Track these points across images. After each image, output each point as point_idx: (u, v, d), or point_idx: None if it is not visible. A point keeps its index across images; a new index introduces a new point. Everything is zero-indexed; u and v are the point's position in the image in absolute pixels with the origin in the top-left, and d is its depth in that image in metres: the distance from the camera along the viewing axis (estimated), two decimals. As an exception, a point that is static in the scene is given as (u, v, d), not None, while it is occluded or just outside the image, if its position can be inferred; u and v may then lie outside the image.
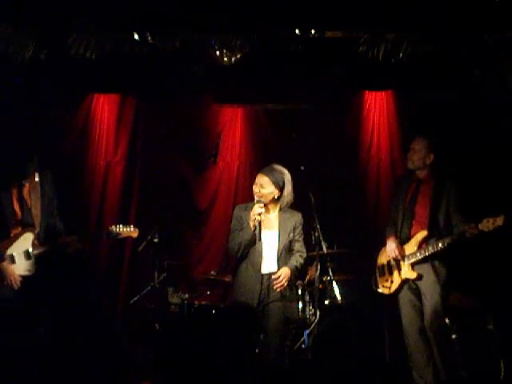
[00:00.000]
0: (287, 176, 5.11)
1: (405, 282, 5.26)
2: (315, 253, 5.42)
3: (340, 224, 6.48)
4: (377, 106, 6.78)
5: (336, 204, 6.58)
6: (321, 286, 5.82)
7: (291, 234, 5.08)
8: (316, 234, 5.39)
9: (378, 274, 5.46)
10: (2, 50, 5.65)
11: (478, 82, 5.86)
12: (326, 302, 5.96)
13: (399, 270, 5.27)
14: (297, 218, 5.13)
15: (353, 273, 6.19)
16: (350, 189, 6.76)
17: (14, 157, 5.15)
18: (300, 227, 5.14)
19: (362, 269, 6.27)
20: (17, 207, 5.05)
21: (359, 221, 6.66)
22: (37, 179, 5.13)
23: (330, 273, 5.82)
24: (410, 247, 5.23)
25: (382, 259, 5.45)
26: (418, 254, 5.17)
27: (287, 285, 4.99)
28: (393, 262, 5.32)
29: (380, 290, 5.43)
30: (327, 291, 5.96)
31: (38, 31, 5.62)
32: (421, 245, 5.18)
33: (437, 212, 5.18)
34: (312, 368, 3.27)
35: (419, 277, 5.18)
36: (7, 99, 6.15)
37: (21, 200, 5.07)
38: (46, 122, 6.47)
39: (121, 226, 5.33)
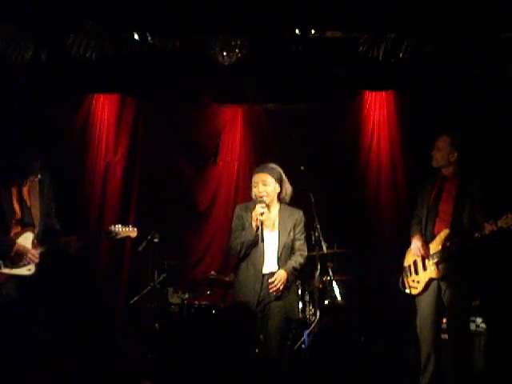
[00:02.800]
0: (281, 169, 5.15)
1: (431, 281, 5.18)
2: (315, 253, 5.42)
3: (340, 224, 6.48)
4: (377, 106, 6.77)
5: (336, 204, 6.58)
6: (321, 286, 5.82)
7: (291, 233, 5.07)
8: (316, 234, 5.39)
9: (405, 275, 5.38)
10: (1, 49, 5.65)
11: (478, 82, 5.86)
12: (326, 302, 5.95)
13: (425, 269, 5.22)
14: (297, 215, 5.13)
15: (353, 273, 6.19)
16: (350, 189, 6.76)
17: (14, 156, 5.16)
18: (301, 225, 5.13)
19: (362, 269, 6.29)
20: (16, 206, 5.06)
21: (359, 221, 6.66)
22: (37, 178, 5.15)
23: (330, 273, 5.82)
24: (435, 246, 5.17)
25: (409, 259, 5.37)
26: (442, 253, 5.11)
27: (283, 287, 4.98)
28: (419, 262, 5.26)
29: (407, 291, 5.34)
30: (327, 291, 5.96)
31: (38, 31, 5.62)
32: (444, 243, 5.11)
33: (461, 210, 5.12)
34: (312, 368, 3.27)
35: (443, 276, 5.12)
36: (7, 99, 6.15)
37: (20, 199, 5.08)
38: (46, 122, 6.47)
39: (119, 225, 5.34)
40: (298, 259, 5.07)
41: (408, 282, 5.35)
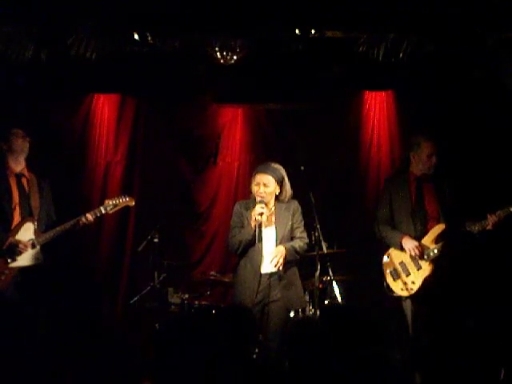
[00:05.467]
0: (283, 171, 5.17)
1: (428, 278, 5.18)
2: (315, 253, 5.41)
3: (340, 224, 6.48)
4: (377, 106, 6.78)
5: (336, 204, 6.58)
6: (321, 286, 5.81)
7: (289, 223, 5.09)
8: (316, 234, 5.39)
9: (390, 279, 5.35)
10: (1, 50, 5.65)
11: (478, 83, 5.87)
12: (326, 302, 5.95)
13: (418, 268, 5.22)
14: (293, 205, 5.16)
15: (353, 273, 6.19)
16: (350, 189, 6.76)
17: None
18: (298, 213, 5.17)
19: (362, 269, 6.29)
20: (15, 191, 5.14)
21: (359, 220, 6.66)
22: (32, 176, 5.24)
23: (330, 273, 5.81)
24: (427, 243, 5.19)
25: (392, 262, 5.36)
26: (439, 248, 5.12)
27: (285, 265, 4.98)
28: (409, 262, 5.26)
29: (398, 294, 5.30)
30: (327, 291, 5.96)
31: (38, 31, 5.62)
32: (438, 239, 5.15)
33: (446, 207, 5.19)
34: (312, 368, 3.28)
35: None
36: (7, 99, 6.15)
37: (19, 186, 5.19)
38: (46, 122, 6.48)
39: (115, 197, 5.41)
40: (297, 242, 5.10)
41: (398, 285, 5.31)
